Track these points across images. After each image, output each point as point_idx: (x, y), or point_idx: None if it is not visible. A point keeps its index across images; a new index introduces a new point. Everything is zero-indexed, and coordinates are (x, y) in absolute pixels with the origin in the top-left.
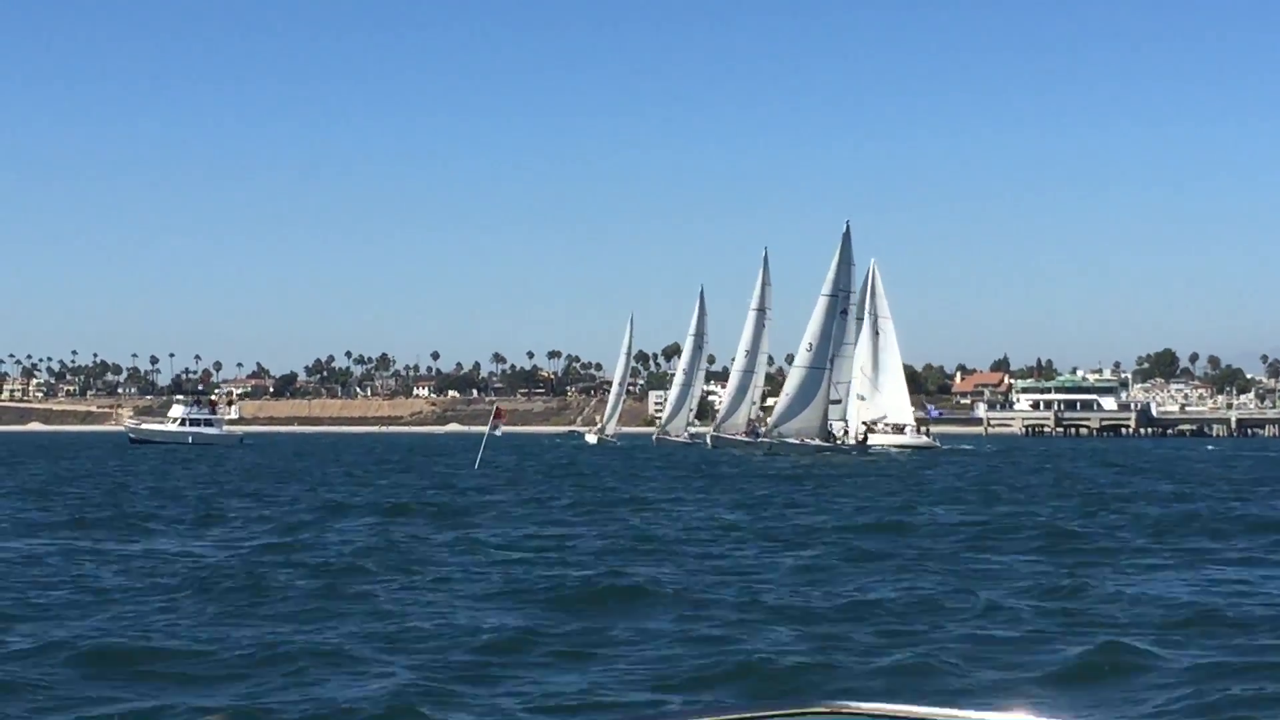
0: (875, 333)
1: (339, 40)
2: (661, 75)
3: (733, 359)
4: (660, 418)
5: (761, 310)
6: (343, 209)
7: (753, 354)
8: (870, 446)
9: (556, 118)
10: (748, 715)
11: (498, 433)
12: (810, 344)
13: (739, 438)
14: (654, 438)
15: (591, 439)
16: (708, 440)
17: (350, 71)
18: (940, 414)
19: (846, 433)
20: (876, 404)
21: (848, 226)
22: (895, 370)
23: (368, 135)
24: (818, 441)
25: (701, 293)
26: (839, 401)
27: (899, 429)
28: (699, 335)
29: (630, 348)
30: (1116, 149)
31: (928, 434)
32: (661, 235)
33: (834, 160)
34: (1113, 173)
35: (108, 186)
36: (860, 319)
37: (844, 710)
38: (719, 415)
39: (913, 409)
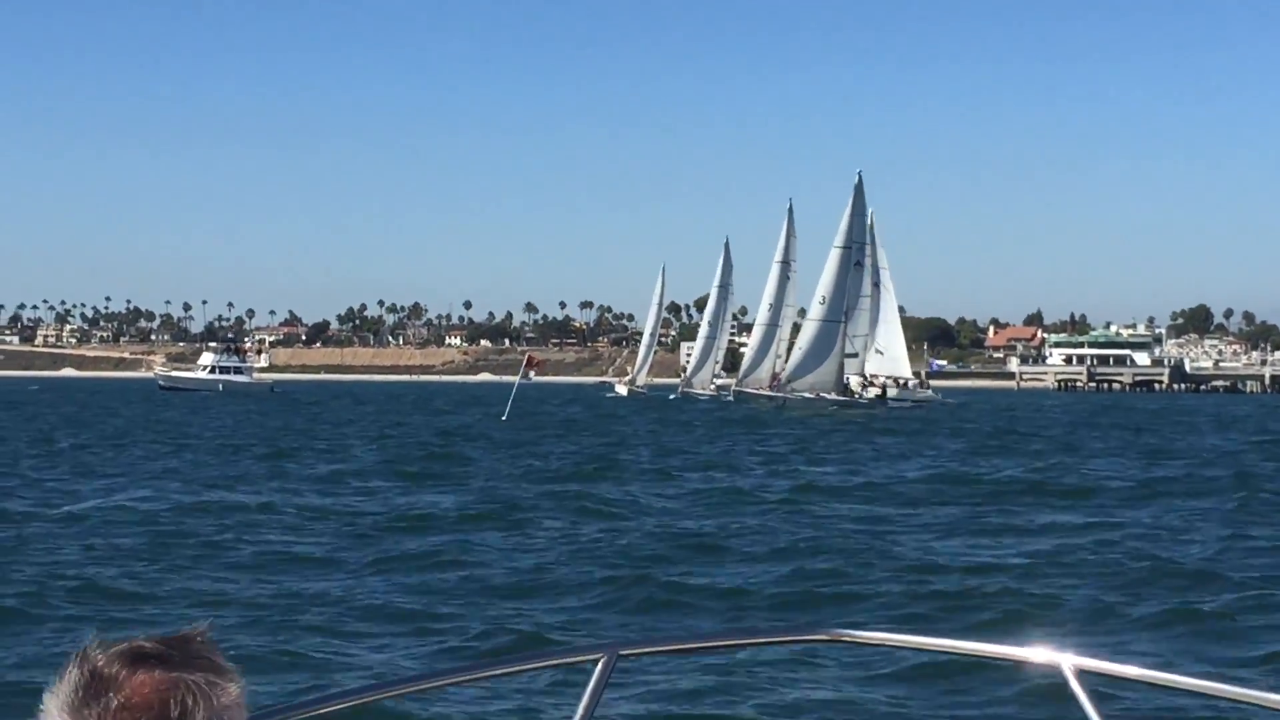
0: (875, 284)
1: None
2: (695, 28)
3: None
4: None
5: (786, 263)
6: (376, 158)
7: (776, 307)
8: (889, 400)
9: (590, 71)
10: (754, 640)
11: (530, 380)
12: (824, 297)
13: (762, 392)
14: (678, 390)
15: (621, 390)
16: (731, 394)
17: (388, 23)
18: (941, 367)
19: (866, 386)
20: (874, 359)
21: (859, 178)
22: (894, 322)
23: (403, 85)
24: (833, 396)
25: (726, 244)
26: (855, 355)
27: (898, 383)
28: (724, 287)
29: (662, 299)
30: (1153, 100)
31: (926, 387)
32: (695, 186)
33: (860, 112)
34: (1149, 125)
35: (143, 133)
36: (841, 248)
37: (843, 638)
38: (742, 369)
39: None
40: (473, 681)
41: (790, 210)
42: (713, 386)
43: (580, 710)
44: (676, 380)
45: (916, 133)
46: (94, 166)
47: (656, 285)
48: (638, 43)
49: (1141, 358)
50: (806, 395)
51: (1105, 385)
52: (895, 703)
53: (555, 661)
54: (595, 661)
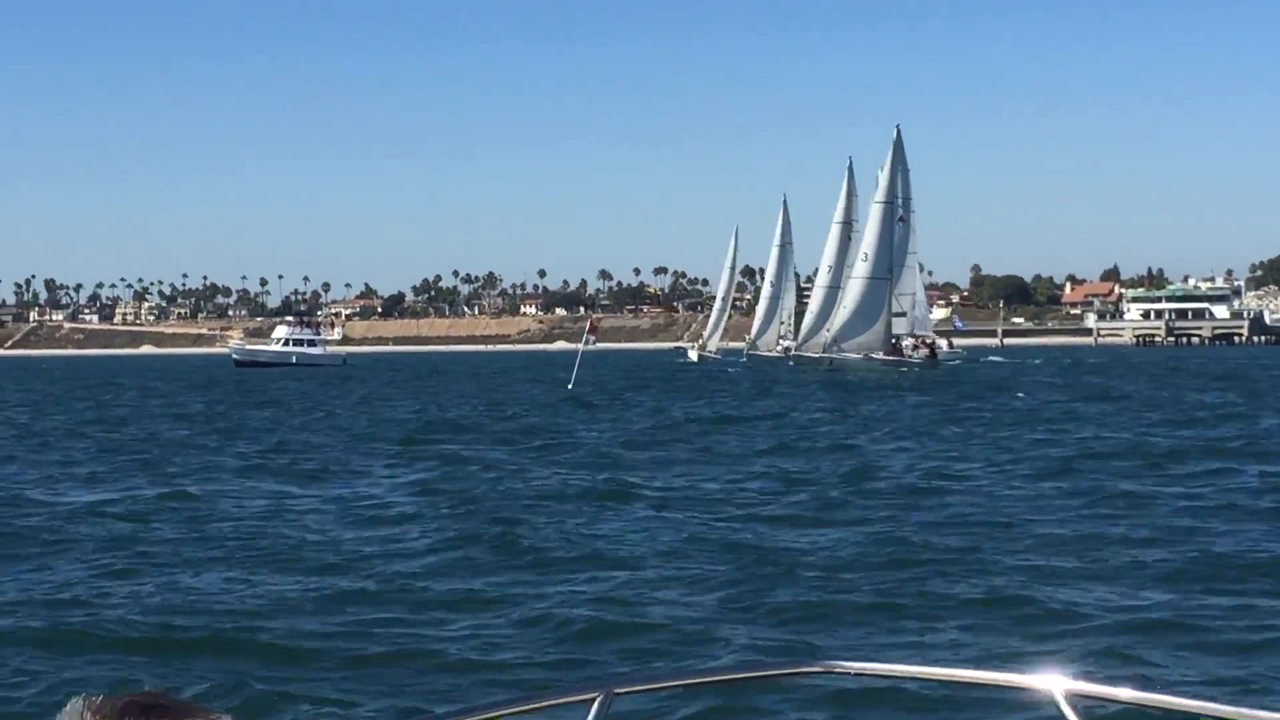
0: (900, 220)
1: None
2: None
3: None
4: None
5: (847, 223)
6: (449, 128)
7: (837, 269)
8: (940, 360)
9: (661, 35)
10: (744, 675)
11: (591, 345)
12: (866, 253)
13: (810, 355)
14: (744, 354)
15: (693, 355)
16: (792, 359)
17: None
18: (965, 325)
19: (918, 346)
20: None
21: (898, 131)
22: (913, 275)
23: (475, 55)
24: (881, 356)
25: (784, 201)
26: (903, 314)
27: (924, 342)
28: (784, 246)
29: (734, 262)
30: (1226, 53)
31: (950, 346)
32: (764, 147)
33: (925, 67)
34: (1223, 78)
35: (217, 110)
36: (877, 202)
37: (836, 669)
38: (802, 333)
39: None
40: None
41: (850, 169)
42: (779, 348)
43: None
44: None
45: (989, 89)
46: (168, 143)
47: (729, 248)
48: (707, 7)
49: (1220, 310)
50: (853, 356)
51: (1184, 339)
52: None
53: (550, 702)
54: (591, 701)
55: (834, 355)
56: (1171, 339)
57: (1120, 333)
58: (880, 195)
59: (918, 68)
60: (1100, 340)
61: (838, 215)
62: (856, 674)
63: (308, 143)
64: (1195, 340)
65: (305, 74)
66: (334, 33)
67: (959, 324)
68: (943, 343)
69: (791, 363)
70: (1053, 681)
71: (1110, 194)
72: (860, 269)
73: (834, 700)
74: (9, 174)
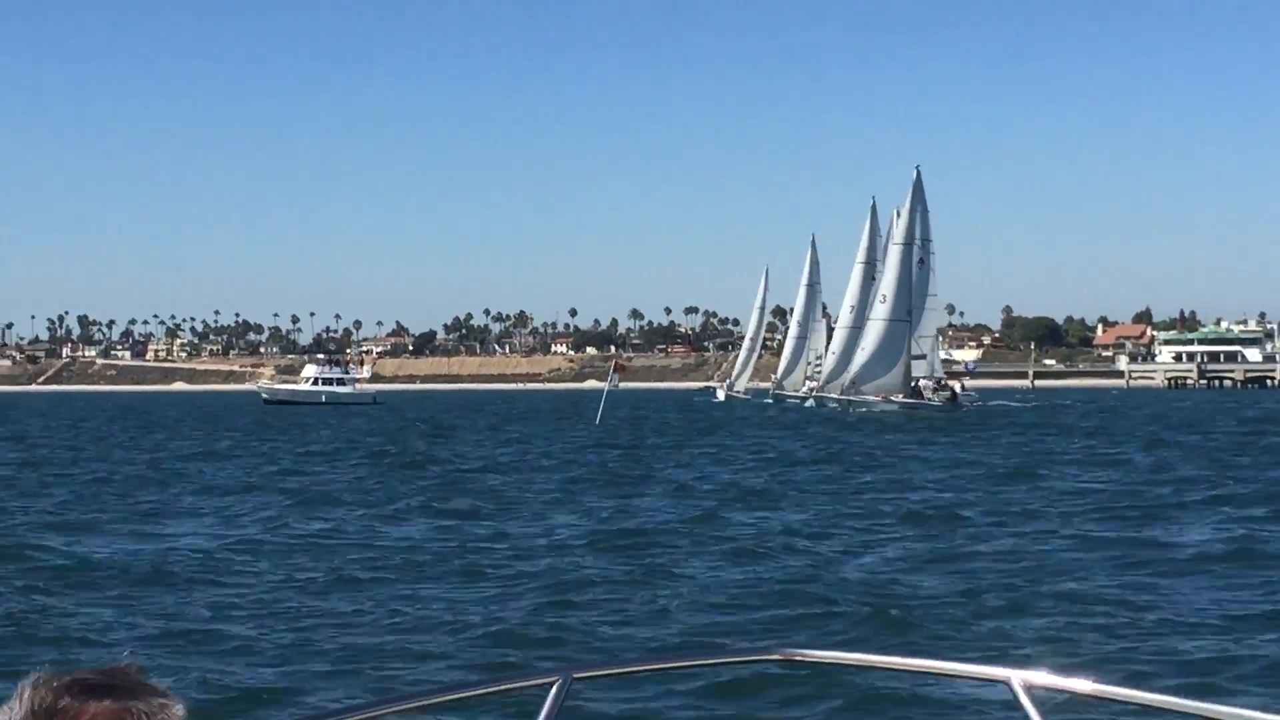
0: (919, 262)
1: (472, 5)
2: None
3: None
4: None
5: (870, 264)
6: (480, 168)
7: (859, 310)
8: (961, 402)
9: (690, 75)
10: (704, 661)
11: (616, 385)
12: (884, 295)
13: (830, 396)
14: (770, 394)
15: (721, 395)
16: (812, 400)
17: (489, 37)
18: (975, 367)
19: (937, 389)
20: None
21: (918, 172)
22: (933, 317)
23: (505, 96)
24: (900, 398)
25: (813, 241)
26: (923, 357)
27: (940, 385)
28: (812, 285)
29: (764, 302)
30: (1258, 95)
31: (963, 389)
32: (792, 187)
33: (955, 108)
34: (1256, 119)
35: (249, 145)
36: (897, 244)
37: (796, 657)
38: (824, 374)
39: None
40: (420, 709)
41: (874, 209)
42: (804, 388)
43: None
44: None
45: (1023, 132)
46: (202, 180)
47: (759, 288)
48: (736, 48)
49: (1253, 354)
50: (871, 399)
51: (1216, 382)
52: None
53: (509, 686)
54: (550, 685)
55: (852, 397)
56: (1204, 381)
57: (1152, 375)
58: (899, 237)
59: (952, 108)
60: (1132, 383)
61: (860, 255)
62: (816, 662)
63: (341, 181)
64: (1228, 383)
65: (339, 113)
66: (370, 71)
67: (970, 366)
68: (954, 384)
69: (810, 403)
70: (1010, 673)
71: (1143, 236)
72: (879, 311)
73: (794, 688)
74: (45, 210)
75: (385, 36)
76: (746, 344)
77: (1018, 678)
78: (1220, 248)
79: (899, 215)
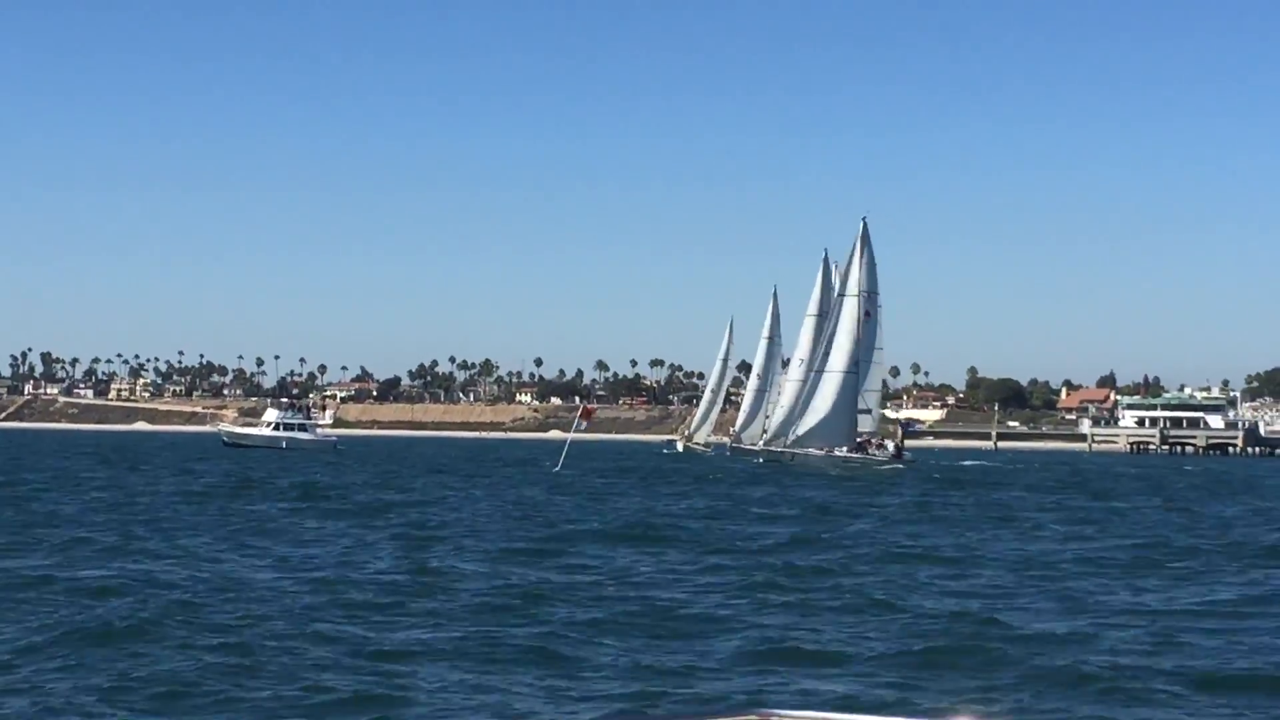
0: (865, 314)
1: (445, 52)
2: (760, 83)
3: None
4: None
5: (821, 316)
6: (447, 216)
7: (809, 363)
8: (907, 456)
9: (662, 126)
10: None
11: (583, 428)
12: (829, 349)
13: (773, 450)
14: (728, 447)
15: (679, 447)
16: (759, 456)
17: (461, 83)
18: (916, 426)
19: (882, 445)
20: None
21: (864, 224)
22: (880, 371)
23: (472, 145)
24: (844, 453)
25: (775, 294)
26: (868, 411)
27: (881, 442)
28: (772, 339)
29: (728, 354)
30: (1228, 166)
31: (900, 449)
32: (758, 242)
33: (931, 166)
34: (1222, 190)
35: (216, 187)
36: (844, 295)
37: (774, 716)
38: (771, 428)
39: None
40: None
41: (826, 260)
42: (761, 442)
43: None
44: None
45: (991, 193)
46: (165, 220)
47: (723, 341)
48: (702, 100)
49: (1215, 420)
50: (815, 452)
51: (1178, 448)
52: None
53: None
54: None
55: (796, 451)
56: (1166, 447)
57: (1115, 439)
58: (846, 288)
59: (918, 166)
60: (1095, 446)
61: (811, 308)
62: None
63: (308, 226)
64: (1190, 449)
65: (308, 159)
66: (340, 114)
67: (912, 426)
68: (889, 443)
69: (759, 460)
70: None
71: (1108, 301)
72: (825, 363)
73: None
74: (8, 247)
75: (354, 82)
76: (707, 396)
77: None
78: (1185, 314)
79: (846, 267)
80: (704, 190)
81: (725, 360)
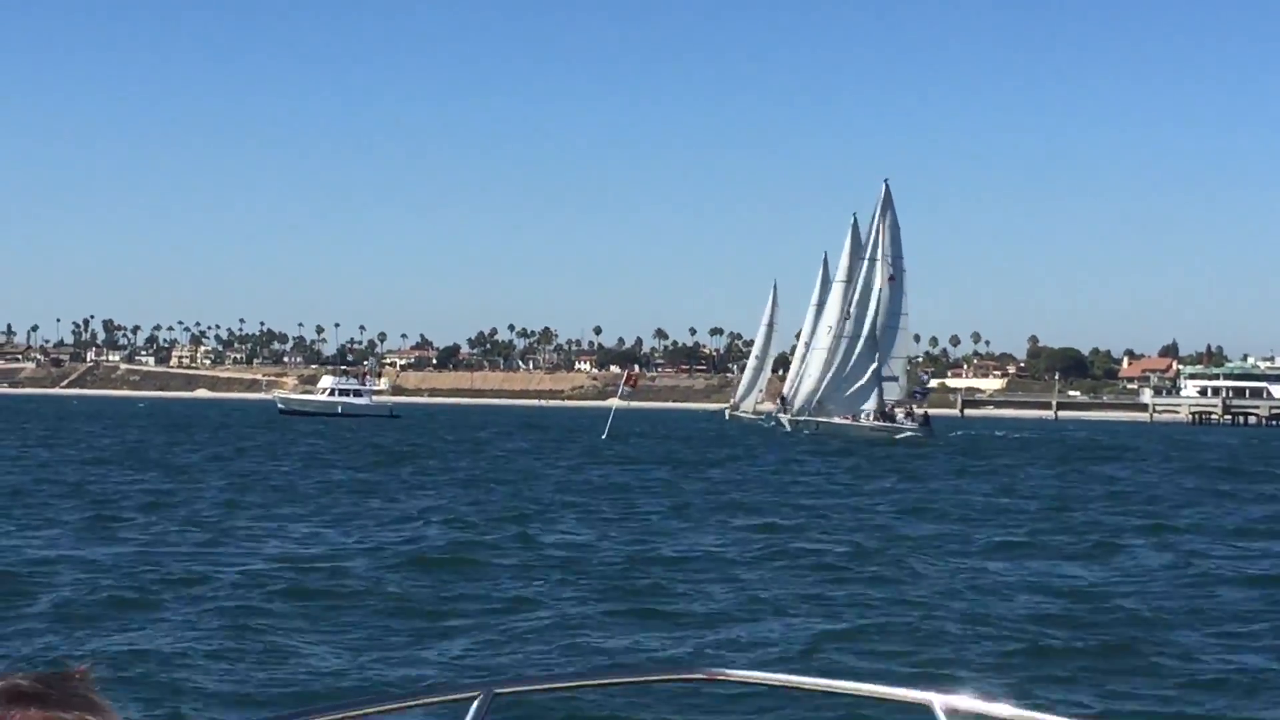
0: (889, 279)
1: (502, 21)
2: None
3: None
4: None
5: (849, 283)
6: (509, 184)
7: (836, 330)
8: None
9: (724, 95)
10: (626, 680)
11: (624, 401)
12: (849, 312)
13: (801, 418)
14: (726, 413)
15: (727, 415)
16: (784, 423)
17: (520, 53)
18: (927, 382)
19: (910, 414)
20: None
21: (886, 186)
22: (905, 338)
23: (534, 112)
24: (871, 421)
25: (775, 286)
26: (895, 379)
27: (908, 410)
28: (770, 325)
29: (773, 319)
30: None
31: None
32: (802, 208)
33: (992, 135)
34: None
35: (280, 159)
36: (865, 260)
37: (719, 677)
38: (797, 396)
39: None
40: None
41: (854, 225)
42: (753, 411)
43: None
44: None
45: (1059, 158)
46: (231, 189)
47: (766, 306)
48: (759, 67)
49: (1278, 390)
50: (837, 421)
51: (1241, 418)
52: None
53: (430, 700)
54: (471, 700)
55: (820, 419)
56: (1228, 417)
57: (1177, 409)
58: (869, 252)
59: (981, 132)
60: (1156, 416)
61: (840, 274)
62: (739, 682)
63: (370, 193)
64: (1252, 420)
65: (370, 125)
66: (399, 85)
67: (918, 391)
68: (917, 410)
69: (780, 425)
70: (932, 696)
71: (1171, 270)
72: (847, 329)
73: (717, 708)
74: (72, 214)
75: (416, 49)
76: (752, 363)
77: (939, 701)
78: (1249, 283)
79: (870, 227)
80: (761, 159)
81: (770, 325)
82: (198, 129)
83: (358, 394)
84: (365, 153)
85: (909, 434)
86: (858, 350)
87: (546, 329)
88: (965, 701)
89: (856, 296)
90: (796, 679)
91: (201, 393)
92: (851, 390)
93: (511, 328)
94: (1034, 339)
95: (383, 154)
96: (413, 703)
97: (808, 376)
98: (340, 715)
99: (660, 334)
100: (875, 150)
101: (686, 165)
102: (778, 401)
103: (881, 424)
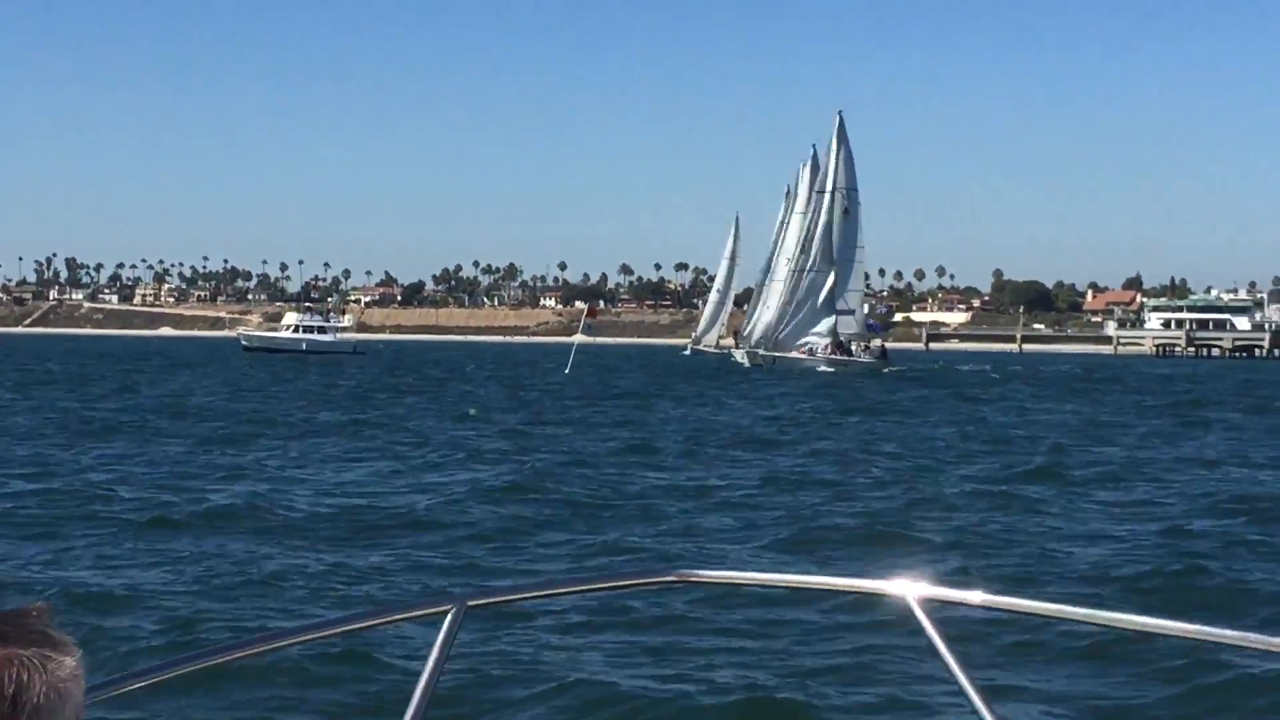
0: (844, 211)
1: None
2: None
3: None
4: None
5: (807, 215)
6: (472, 118)
7: (794, 264)
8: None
9: (682, 23)
10: (598, 585)
11: (588, 336)
12: (804, 246)
13: (794, 356)
14: (688, 348)
15: (688, 350)
16: (743, 357)
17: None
18: (879, 326)
19: (867, 347)
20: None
21: (839, 118)
22: (860, 271)
23: (494, 45)
24: (827, 355)
25: (736, 220)
26: (851, 312)
27: (863, 343)
28: (731, 259)
29: (735, 253)
30: (1257, 62)
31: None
32: (764, 142)
33: (953, 67)
34: (1254, 88)
35: (239, 93)
36: (820, 192)
37: (691, 579)
38: (753, 329)
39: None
40: (315, 640)
41: (814, 157)
42: (715, 345)
43: (430, 664)
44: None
45: (1016, 91)
46: (193, 125)
47: (728, 239)
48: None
49: (1242, 322)
50: (794, 355)
51: (1205, 350)
52: (749, 638)
53: (401, 616)
54: (444, 614)
55: (777, 354)
56: (1192, 349)
57: (1140, 342)
58: (821, 184)
59: (943, 66)
60: (1120, 349)
61: (799, 205)
62: (712, 582)
63: (332, 129)
64: (1215, 352)
65: (332, 61)
66: (362, 21)
67: (872, 324)
68: (855, 345)
69: (737, 361)
70: (906, 587)
71: (1135, 203)
72: (801, 263)
73: (693, 608)
74: (34, 153)
75: None
76: (713, 297)
77: (913, 592)
78: (1212, 216)
79: (824, 158)
80: (725, 87)
81: (732, 259)
82: (160, 64)
83: (322, 330)
84: (328, 89)
85: (866, 365)
86: (812, 284)
87: (511, 265)
88: (940, 591)
89: (816, 230)
90: (769, 576)
91: (165, 330)
92: (806, 324)
93: (476, 264)
94: (998, 273)
95: (345, 90)
96: (383, 620)
97: (766, 309)
98: (313, 635)
99: (626, 269)
100: (838, 80)
101: (652, 100)
102: (732, 337)
103: (838, 357)
